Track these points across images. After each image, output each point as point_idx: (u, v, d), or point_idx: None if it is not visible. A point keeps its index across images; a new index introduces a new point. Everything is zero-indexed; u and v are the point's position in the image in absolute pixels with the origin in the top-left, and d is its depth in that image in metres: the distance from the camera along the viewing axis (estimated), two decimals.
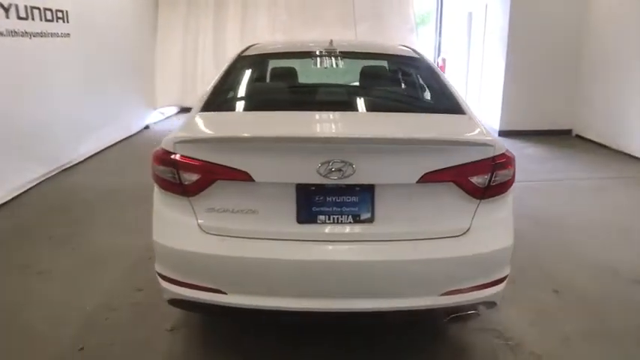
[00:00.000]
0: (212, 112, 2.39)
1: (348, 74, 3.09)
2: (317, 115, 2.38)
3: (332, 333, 2.54)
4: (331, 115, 2.35)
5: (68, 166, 5.50)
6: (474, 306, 2.19)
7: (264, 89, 3.03)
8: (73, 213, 4.29)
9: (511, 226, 2.19)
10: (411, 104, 2.65)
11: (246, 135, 2.07)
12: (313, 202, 2.03)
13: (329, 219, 2.04)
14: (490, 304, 2.23)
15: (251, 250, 2.01)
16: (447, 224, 2.09)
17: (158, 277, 2.16)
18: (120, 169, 5.66)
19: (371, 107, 2.62)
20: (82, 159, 5.81)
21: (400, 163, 2.01)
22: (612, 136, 6.24)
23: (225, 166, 1.99)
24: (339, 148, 1.96)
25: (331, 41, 3.03)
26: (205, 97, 2.50)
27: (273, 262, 2.01)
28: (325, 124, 2.32)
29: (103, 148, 6.36)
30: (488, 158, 2.06)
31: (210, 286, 2.05)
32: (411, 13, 8.61)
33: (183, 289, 2.09)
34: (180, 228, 2.07)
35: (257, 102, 2.71)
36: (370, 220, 2.04)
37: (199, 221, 2.04)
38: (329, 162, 1.94)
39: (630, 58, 5.96)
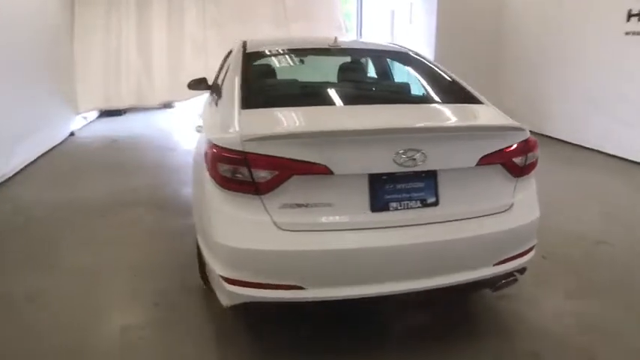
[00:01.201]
0: (256, 109, 2.32)
1: (360, 70, 3.16)
2: (366, 108, 2.44)
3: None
4: (380, 107, 2.43)
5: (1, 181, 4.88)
6: (514, 272, 2.41)
7: (295, 85, 3.01)
8: (30, 232, 3.84)
9: (537, 201, 2.45)
10: (438, 96, 2.79)
11: (326, 129, 2.07)
12: (385, 191, 2.10)
13: (400, 205, 2.12)
14: (523, 270, 2.47)
15: (329, 243, 2.04)
16: (496, 201, 2.29)
17: (223, 281, 2.07)
18: (57, 182, 5.15)
19: (405, 99, 2.73)
20: (12, 173, 5.17)
21: (461, 149, 2.18)
22: (536, 120, 6.98)
23: (303, 161, 1.99)
24: (413, 138, 2.07)
25: (335, 38, 3.08)
26: (237, 96, 2.42)
27: (352, 252, 2.05)
28: (386, 116, 2.38)
29: (31, 160, 5.70)
30: (523, 141, 2.30)
31: (289, 283, 2.03)
32: (338, 12, 8.85)
33: (257, 290, 2.04)
34: (253, 227, 2.03)
35: (297, 98, 2.70)
36: (435, 204, 2.17)
37: (274, 219, 2.01)
38: (405, 151, 2.04)
39: (545, 48, 6.74)
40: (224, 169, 2.02)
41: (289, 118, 2.31)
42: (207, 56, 7.86)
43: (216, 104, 2.73)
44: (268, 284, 2.03)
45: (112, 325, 2.58)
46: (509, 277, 2.39)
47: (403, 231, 2.12)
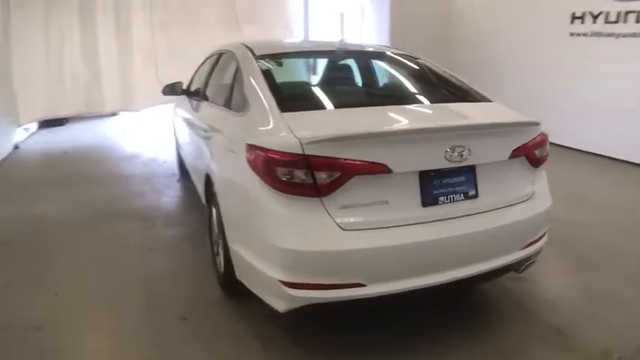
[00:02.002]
0: (296, 113, 2.32)
1: (376, 72, 3.19)
2: (402, 108, 2.53)
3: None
4: (415, 107, 2.53)
5: None
6: (534, 255, 2.60)
7: (324, 87, 2.99)
8: (14, 249, 3.52)
9: (548, 190, 2.67)
10: (456, 96, 2.89)
11: (386, 130, 2.14)
12: (433, 186, 2.20)
13: (447, 199, 2.23)
14: (539, 252, 2.67)
15: (388, 239, 2.10)
16: (522, 191, 2.48)
17: (284, 286, 2.06)
18: (17, 199, 4.73)
19: (431, 99, 2.79)
20: None
21: (497, 144, 2.34)
22: None
23: (365, 162, 2.04)
24: (460, 135, 2.19)
25: (341, 40, 3.13)
26: (270, 100, 2.41)
27: (409, 247, 2.13)
28: (428, 115, 2.48)
29: None
30: (539, 135, 2.50)
31: (350, 281, 2.07)
32: (289, 16, 8.89)
33: (319, 291, 2.06)
34: (316, 229, 2.05)
35: (330, 100, 2.70)
36: (475, 196, 2.30)
37: (336, 219, 2.04)
38: (453, 147, 2.16)
39: (495, 51, 7.23)
40: (284, 173, 2.01)
41: (336, 120, 2.33)
42: (156, 63, 7.60)
43: (237, 109, 2.68)
44: (331, 284, 2.06)
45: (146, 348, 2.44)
46: (531, 259, 2.58)
47: (451, 223, 2.23)
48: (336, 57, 3.15)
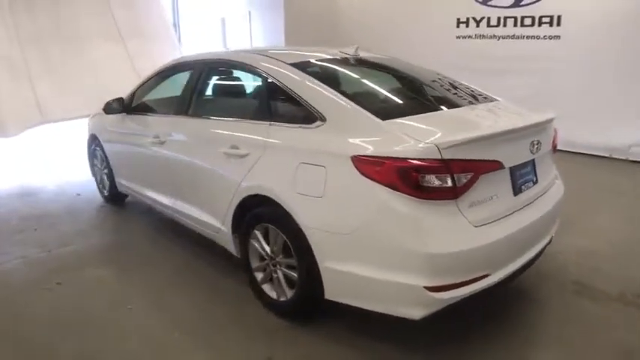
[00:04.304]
0: (396, 120, 2.27)
1: (411, 79, 3.16)
2: (470, 109, 2.66)
3: None
4: (476, 108, 2.69)
5: None
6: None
7: (394, 93, 2.85)
8: None
9: None
10: (482, 96, 3.00)
11: (503, 129, 2.26)
12: (517, 177, 2.40)
13: (525, 187, 2.46)
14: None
15: (505, 228, 2.26)
16: (553, 173, 2.87)
17: (428, 291, 2.05)
18: None
19: (476, 100, 2.89)
20: None
21: (547, 137, 2.63)
22: None
23: (488, 160, 2.17)
24: (537, 131, 2.46)
25: (357, 48, 3.13)
26: (359, 109, 2.32)
27: (516, 232, 2.31)
28: (506, 114, 2.66)
29: None
30: (554, 129, 2.90)
31: (481, 274, 2.18)
32: (170, 28, 8.29)
33: (457, 290, 2.11)
34: (455, 230, 2.09)
35: (407, 106, 2.65)
36: (536, 181, 2.58)
37: (468, 218, 2.12)
38: (533, 142, 2.44)
39: (379, 43, 7.77)
40: (426, 179, 2.00)
41: (438, 125, 2.34)
42: (30, 79, 6.40)
43: (293, 121, 2.51)
44: (466, 281, 2.12)
45: None
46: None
47: (532, 207, 2.48)
48: (365, 65, 3.13)
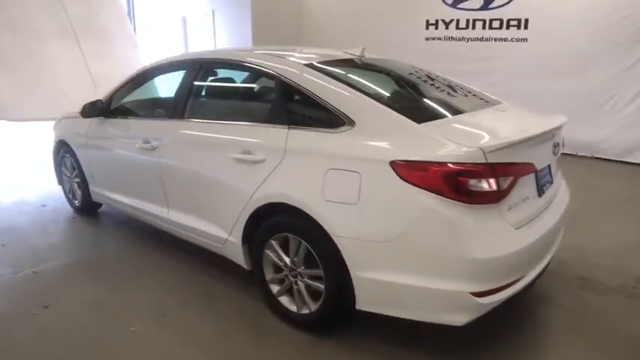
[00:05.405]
0: (429, 123, 2.22)
1: (422, 80, 3.07)
2: (488, 111, 2.67)
3: None
4: (490, 110, 2.68)
5: None
6: None
7: (408, 96, 2.77)
8: None
9: None
10: (494, 100, 2.99)
11: (537, 132, 2.25)
12: (540, 177, 2.42)
13: (545, 188, 2.48)
14: None
15: (539, 229, 2.28)
16: (560, 175, 2.91)
17: (474, 297, 2.01)
18: None
19: (489, 103, 2.87)
20: None
21: (562, 139, 2.66)
22: None
23: (525, 163, 2.18)
24: (558, 133, 2.49)
25: (363, 49, 3.05)
26: (392, 112, 2.24)
27: (546, 234, 2.33)
28: (527, 117, 2.70)
29: None
30: None
31: (518, 277, 2.18)
32: (130, 28, 7.84)
33: (499, 294, 2.09)
34: (499, 234, 2.08)
35: (439, 108, 2.58)
36: (552, 182, 2.62)
37: (508, 221, 2.11)
38: (555, 144, 2.48)
39: (337, 36, 7.75)
40: (471, 183, 1.96)
41: (474, 127, 2.32)
42: None
43: (315, 125, 2.39)
44: (506, 284, 2.11)
45: None
46: None
47: (553, 207, 2.52)
48: (377, 67, 3.05)
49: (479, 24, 6.53)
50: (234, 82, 3.15)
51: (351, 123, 2.27)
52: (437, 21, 6.89)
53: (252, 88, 3.08)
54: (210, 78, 3.15)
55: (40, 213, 4.45)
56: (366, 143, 2.20)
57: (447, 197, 1.97)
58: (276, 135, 2.50)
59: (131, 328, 2.61)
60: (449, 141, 2.04)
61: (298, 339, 2.49)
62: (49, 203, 4.67)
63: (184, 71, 3.18)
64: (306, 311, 2.49)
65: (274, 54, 2.88)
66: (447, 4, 6.75)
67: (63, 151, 4.30)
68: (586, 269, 3.24)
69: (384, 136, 2.18)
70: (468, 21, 6.61)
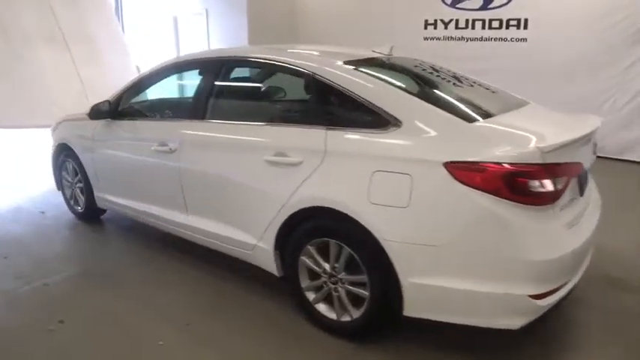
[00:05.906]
0: (484, 122, 2.18)
1: (449, 79, 3.01)
2: (517, 113, 2.58)
3: None
4: (528, 109, 2.64)
5: None
6: None
7: (459, 95, 2.67)
8: None
9: None
10: (521, 100, 2.89)
11: (584, 133, 2.21)
12: (580, 178, 2.36)
13: (585, 186, 2.43)
14: None
15: (587, 229, 2.25)
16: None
17: (532, 299, 1.96)
18: None
19: (518, 103, 2.78)
20: None
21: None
22: None
23: (576, 163, 2.16)
24: (595, 134, 2.42)
25: (392, 47, 2.99)
26: (444, 113, 2.18)
27: (591, 235, 2.30)
28: (562, 117, 2.65)
29: None
30: None
31: (568, 279, 2.14)
32: (121, 33, 7.60)
33: (552, 296, 2.04)
34: (555, 234, 2.04)
35: (482, 107, 2.47)
36: (587, 182, 2.56)
37: (562, 221, 2.07)
38: (595, 143, 2.47)
39: (327, 29, 7.77)
40: (530, 184, 1.90)
41: (525, 127, 2.25)
42: None
43: (358, 126, 2.31)
44: (559, 286, 2.07)
45: None
46: None
47: (591, 206, 2.48)
48: (409, 66, 2.99)
49: (478, 24, 6.53)
50: (261, 81, 3.04)
51: (398, 123, 2.19)
52: (436, 21, 6.88)
53: (281, 88, 2.98)
54: (232, 77, 3.02)
55: (39, 221, 4.24)
56: (416, 144, 2.12)
57: (505, 198, 1.91)
58: (313, 136, 2.39)
59: (159, 342, 2.48)
60: (505, 141, 1.98)
61: (339, 347, 2.40)
62: (48, 210, 4.45)
63: (202, 71, 3.05)
64: (347, 318, 2.40)
65: (308, 53, 2.78)
66: (446, 3, 6.74)
67: (64, 155, 4.09)
68: (610, 267, 3.23)
69: (435, 136, 2.10)
70: (467, 21, 6.61)
